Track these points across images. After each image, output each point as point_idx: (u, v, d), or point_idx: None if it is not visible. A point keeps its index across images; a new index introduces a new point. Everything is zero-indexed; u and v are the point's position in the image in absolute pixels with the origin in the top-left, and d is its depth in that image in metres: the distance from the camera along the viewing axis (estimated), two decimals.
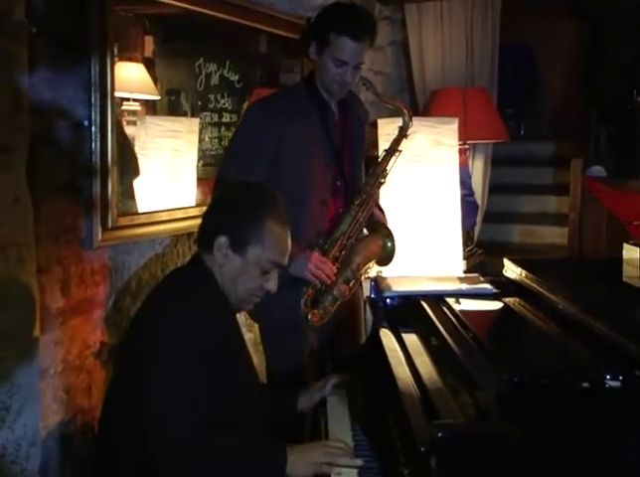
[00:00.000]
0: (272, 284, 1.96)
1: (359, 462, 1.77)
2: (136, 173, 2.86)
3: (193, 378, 1.75)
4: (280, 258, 1.94)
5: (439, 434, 1.35)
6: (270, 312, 2.45)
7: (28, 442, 2.12)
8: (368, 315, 2.72)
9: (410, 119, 2.69)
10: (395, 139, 2.69)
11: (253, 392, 2.02)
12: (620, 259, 2.46)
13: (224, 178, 2.52)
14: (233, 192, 2.01)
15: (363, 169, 2.77)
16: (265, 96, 2.72)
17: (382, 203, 2.81)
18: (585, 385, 1.48)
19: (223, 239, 1.88)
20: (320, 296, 2.56)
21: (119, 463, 1.78)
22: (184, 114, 3.14)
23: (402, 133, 2.69)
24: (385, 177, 2.67)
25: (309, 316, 2.54)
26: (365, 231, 2.73)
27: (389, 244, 2.67)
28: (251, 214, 1.90)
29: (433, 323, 2.09)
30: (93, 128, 2.45)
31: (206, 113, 3.24)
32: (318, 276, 2.50)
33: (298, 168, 2.55)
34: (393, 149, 2.67)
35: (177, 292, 1.89)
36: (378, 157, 2.74)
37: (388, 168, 2.68)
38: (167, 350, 1.76)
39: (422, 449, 1.44)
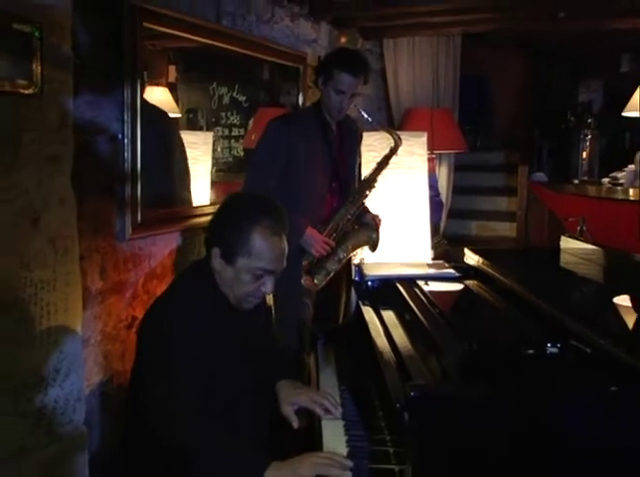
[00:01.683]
0: (268, 288, 1.76)
1: (348, 474, 1.50)
2: (187, 174, 2.91)
3: (184, 367, 1.61)
4: (270, 265, 1.73)
5: (412, 393, 1.34)
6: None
7: (74, 398, 2.11)
8: (353, 295, 2.73)
9: (400, 143, 2.79)
10: (386, 156, 2.83)
11: (244, 393, 1.78)
12: (559, 249, 2.48)
13: (251, 182, 2.61)
14: (228, 205, 1.82)
15: (356, 173, 2.86)
16: (281, 115, 2.91)
17: (368, 202, 2.86)
18: (530, 351, 1.49)
19: (216, 250, 1.74)
20: (315, 268, 2.69)
21: (143, 418, 1.69)
22: (200, 129, 3.15)
23: (393, 152, 2.84)
24: (375, 184, 2.79)
25: (303, 281, 2.64)
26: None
27: (374, 235, 2.76)
28: (238, 226, 1.71)
29: (407, 301, 2.09)
30: (126, 141, 2.44)
31: (218, 128, 3.24)
32: (321, 253, 2.65)
33: (304, 172, 2.68)
34: (383, 163, 2.78)
35: (182, 287, 1.80)
36: (361, 163, 2.88)
37: (377, 178, 2.81)
38: (161, 338, 1.64)
39: (398, 405, 1.43)
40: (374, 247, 2.82)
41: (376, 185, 2.80)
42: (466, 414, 1.35)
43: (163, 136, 2.79)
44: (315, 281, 2.68)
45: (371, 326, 2.10)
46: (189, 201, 2.94)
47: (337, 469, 1.50)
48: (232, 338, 1.77)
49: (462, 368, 1.49)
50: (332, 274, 2.73)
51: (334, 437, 1.68)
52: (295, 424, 1.80)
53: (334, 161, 2.74)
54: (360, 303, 2.36)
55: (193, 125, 3.13)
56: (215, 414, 1.64)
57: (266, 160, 2.65)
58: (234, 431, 1.64)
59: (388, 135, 2.86)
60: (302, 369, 2.41)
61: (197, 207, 2.96)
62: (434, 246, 3.62)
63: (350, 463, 1.52)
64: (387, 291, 2.33)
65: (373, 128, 3.01)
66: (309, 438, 1.80)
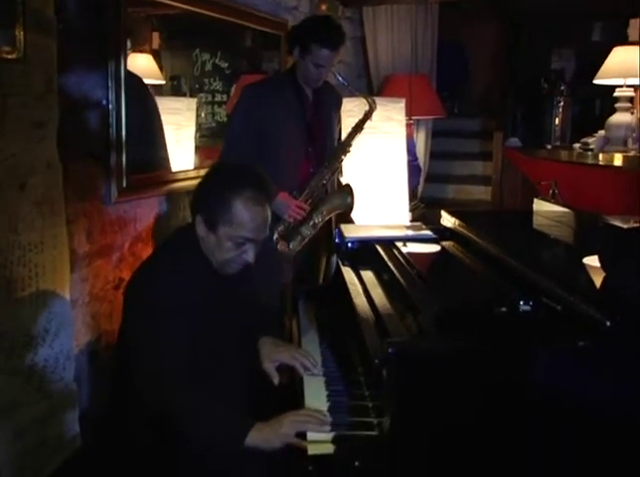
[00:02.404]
0: (250, 256, 1.73)
1: (327, 428, 1.50)
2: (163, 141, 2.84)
3: (169, 331, 1.59)
4: (251, 234, 1.70)
5: (389, 349, 1.34)
6: None
7: (64, 357, 2.10)
8: (334, 257, 2.72)
9: (375, 107, 2.74)
10: (360, 120, 2.78)
11: (229, 354, 1.77)
12: (532, 211, 2.48)
13: (227, 152, 2.56)
14: (213, 173, 1.80)
15: (335, 139, 2.80)
16: (256, 81, 2.79)
17: (345, 167, 2.83)
18: (504, 309, 1.49)
19: (199, 217, 1.71)
20: (290, 233, 2.64)
21: (129, 378, 1.67)
22: (184, 95, 3.09)
23: (367, 116, 2.78)
24: (350, 148, 2.72)
25: (279, 246, 2.61)
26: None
27: (349, 199, 2.72)
28: (221, 195, 1.67)
29: (385, 262, 2.09)
30: (110, 106, 2.38)
31: (202, 94, 3.18)
32: (295, 218, 2.60)
33: (278, 140, 2.62)
34: (358, 127, 2.74)
35: (167, 252, 1.77)
36: (341, 128, 2.80)
37: (352, 142, 2.74)
38: (146, 303, 1.63)
39: (376, 361, 1.43)
40: (349, 211, 2.78)
41: (350, 149, 2.75)
42: (442, 369, 1.35)
43: (142, 101, 2.72)
44: (290, 246, 2.65)
45: (350, 286, 2.09)
46: (168, 166, 2.89)
47: (315, 425, 1.50)
48: (216, 301, 1.75)
49: (439, 325, 1.49)
50: (307, 239, 2.70)
51: (315, 393, 1.68)
52: (276, 381, 1.80)
53: (309, 127, 2.67)
54: (340, 264, 2.35)
55: (176, 92, 3.06)
56: (200, 376, 1.62)
57: (239, 130, 2.61)
58: (219, 392, 1.63)
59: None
60: (283, 329, 2.42)
61: (181, 171, 2.92)
62: (412, 209, 3.61)
63: (328, 419, 1.52)
64: (366, 252, 2.32)
65: (350, 93, 2.97)
66: (291, 395, 1.82)
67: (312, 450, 1.43)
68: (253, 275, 1.87)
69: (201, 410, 1.56)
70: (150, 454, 1.68)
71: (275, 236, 2.61)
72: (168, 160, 2.87)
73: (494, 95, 6.00)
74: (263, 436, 1.51)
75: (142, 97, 2.73)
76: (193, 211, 1.76)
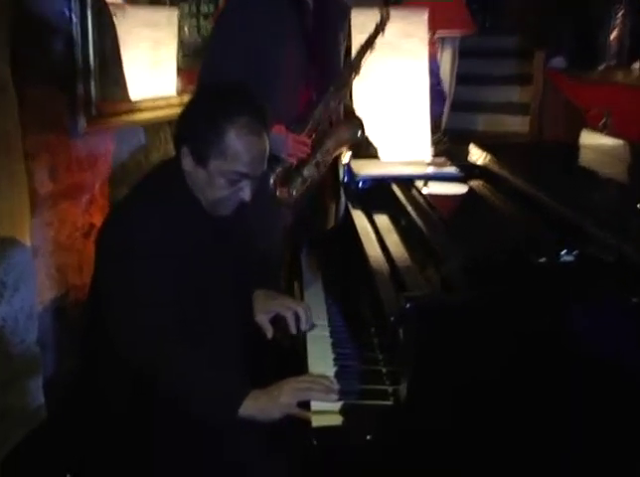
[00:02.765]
0: (246, 194, 1.73)
1: (334, 397, 1.52)
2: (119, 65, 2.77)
3: (151, 280, 1.60)
4: (247, 169, 1.69)
5: (407, 305, 1.35)
6: None
7: (25, 315, 2.11)
8: (342, 198, 2.71)
9: (388, 17, 2.65)
10: (371, 35, 2.66)
11: (221, 308, 1.79)
12: (578, 145, 2.46)
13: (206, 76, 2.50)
14: (199, 97, 1.79)
15: (342, 60, 2.73)
16: None
17: (355, 92, 2.78)
18: (542, 259, 1.49)
19: (186, 150, 1.69)
20: (290, 176, 2.57)
21: (106, 341, 1.68)
22: (163, 4, 3.01)
23: (378, 30, 2.65)
24: (359, 70, 2.65)
25: (278, 192, 2.55)
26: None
27: (359, 132, 2.67)
28: (211, 123, 1.66)
29: (403, 205, 2.09)
30: (74, 18, 2.33)
31: (184, 4, 3.11)
32: (294, 155, 2.51)
33: (272, 57, 2.49)
34: (368, 44, 2.65)
35: (147, 189, 1.75)
36: (350, 47, 2.71)
37: (362, 62, 2.65)
38: (122, 246, 1.62)
39: (392, 319, 1.45)
40: (358, 147, 2.75)
41: (360, 72, 2.71)
42: (468, 328, 1.36)
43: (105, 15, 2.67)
44: (292, 192, 2.62)
45: (361, 232, 2.10)
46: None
47: (320, 393, 1.51)
48: (206, 246, 1.76)
49: (464, 277, 1.49)
50: (309, 181, 2.67)
51: (320, 356, 1.70)
52: (269, 334, 1.84)
53: (310, 45, 2.55)
54: (349, 207, 2.35)
55: (155, 1, 2.99)
56: (187, 333, 1.63)
57: (222, 48, 2.50)
58: (209, 353, 1.64)
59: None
60: (284, 282, 2.43)
61: (161, 98, 2.89)
62: (435, 143, 3.57)
63: (335, 386, 1.54)
64: (380, 193, 2.32)
65: (360, 3, 2.90)
66: (293, 358, 1.84)
67: (317, 422, 1.45)
68: (249, 216, 1.87)
69: (189, 372, 1.58)
70: (128, 424, 1.70)
71: (272, 179, 2.57)
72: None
73: (534, 6, 5.88)
74: (260, 406, 1.52)
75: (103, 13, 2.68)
76: (177, 143, 1.75)
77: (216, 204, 1.74)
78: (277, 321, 1.87)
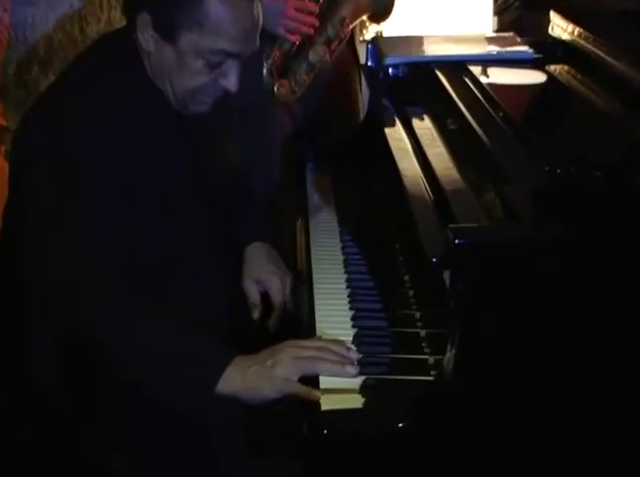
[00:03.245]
0: (231, 81, 1.75)
1: (352, 370, 1.55)
2: None
3: (94, 207, 1.64)
4: (233, 46, 1.70)
5: (456, 240, 1.38)
6: None
7: None
8: (364, 90, 2.74)
9: None
10: None
11: (194, 249, 1.87)
12: None
13: None
14: None
15: None
16: None
17: None
18: None
19: (145, 18, 1.70)
20: (291, 61, 2.57)
21: (30, 293, 1.73)
22: None
23: None
24: None
25: (276, 88, 2.55)
26: None
27: None
28: None
29: (452, 100, 2.10)
30: None
31: None
32: (297, 30, 2.53)
33: None
34: None
35: (83, 78, 1.77)
36: None
37: None
38: (56, 162, 1.65)
39: (434, 261, 1.50)
40: (385, 14, 2.73)
41: None
42: (537, 274, 1.40)
43: None
44: (294, 85, 2.60)
45: (392, 141, 2.13)
46: None
47: (333, 365, 1.55)
48: (173, 159, 1.80)
49: (535, 204, 1.52)
50: (317, 69, 2.64)
51: (332, 312, 1.78)
52: (255, 314, 1.90)
53: None
54: (374, 104, 2.38)
55: None
56: (147, 281, 1.69)
57: None
58: (174, 310, 1.69)
59: None
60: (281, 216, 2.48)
61: None
62: (499, 12, 3.58)
63: (354, 354, 1.59)
64: (419, 84, 2.34)
65: None
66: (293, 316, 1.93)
67: (327, 404, 1.50)
68: (234, 118, 1.91)
69: (145, 333, 1.62)
70: (61, 407, 1.77)
71: (266, 69, 2.56)
72: None
73: None
74: (247, 381, 1.55)
75: None
76: (131, 8, 1.75)
77: (188, 96, 1.76)
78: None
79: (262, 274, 1.97)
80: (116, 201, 1.66)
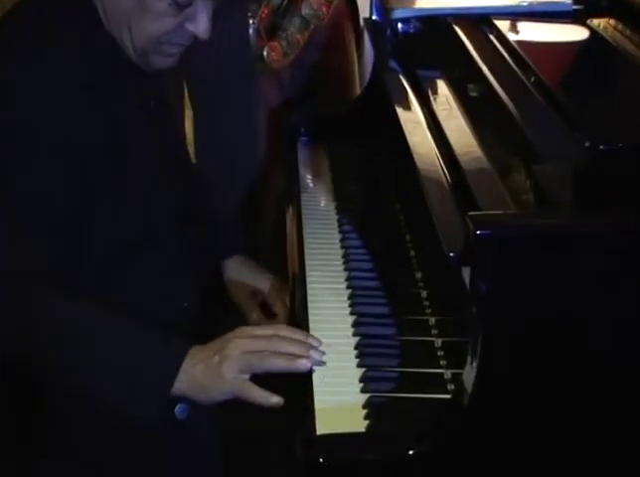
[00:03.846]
0: (201, 25, 1.74)
1: (306, 365, 1.59)
2: None
3: (29, 176, 1.65)
4: None
5: (478, 231, 1.37)
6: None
7: None
8: (367, 50, 2.74)
9: None
10: None
11: (164, 220, 1.90)
12: None
13: None
14: None
15: None
16: None
17: None
18: None
19: None
20: (280, 19, 2.58)
21: None
22: None
23: None
24: None
25: (265, 52, 2.55)
26: None
27: None
28: None
29: (473, 62, 2.10)
30: None
31: None
32: None
33: None
34: None
35: (21, 26, 1.78)
36: None
37: None
38: None
39: (451, 255, 1.50)
40: None
41: None
42: (575, 271, 1.40)
43: None
44: (286, 49, 2.58)
45: (401, 112, 2.13)
46: None
47: (286, 360, 1.58)
48: (132, 127, 1.82)
49: (574, 187, 1.54)
50: (313, 26, 2.63)
51: (329, 318, 1.80)
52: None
53: None
54: (378, 64, 2.40)
55: None
56: (102, 270, 1.73)
57: None
58: (136, 296, 1.76)
59: None
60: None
61: None
62: None
63: (316, 341, 1.64)
64: (433, 41, 2.35)
65: None
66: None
67: (324, 427, 1.51)
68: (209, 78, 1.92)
69: (86, 327, 1.65)
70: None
71: (252, 28, 2.55)
72: None
73: None
74: (195, 380, 1.59)
75: None
76: None
77: (150, 46, 1.76)
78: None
79: (259, 283, 2.02)
80: (59, 174, 1.67)
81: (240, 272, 2.10)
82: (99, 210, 1.72)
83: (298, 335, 1.63)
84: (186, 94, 3.00)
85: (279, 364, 1.57)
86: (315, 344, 1.61)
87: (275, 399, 1.54)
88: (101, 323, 1.66)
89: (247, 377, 1.56)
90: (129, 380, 1.61)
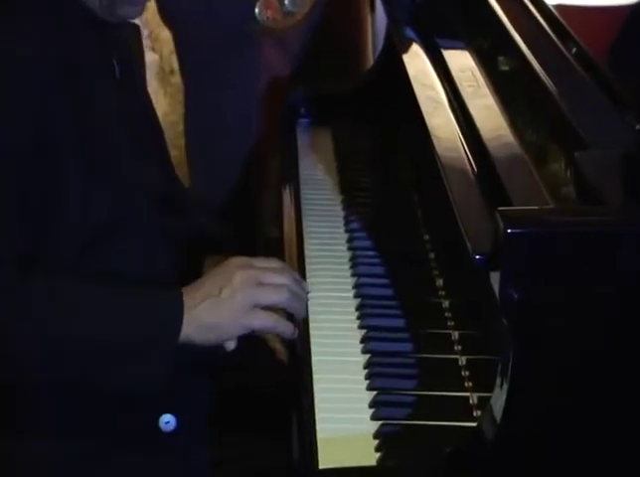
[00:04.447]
0: None
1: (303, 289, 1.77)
2: None
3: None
4: None
5: (509, 230, 1.38)
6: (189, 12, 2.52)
7: None
8: (378, 16, 2.75)
9: None
10: None
11: (137, 201, 1.92)
12: None
13: None
14: None
15: None
16: None
17: None
18: None
19: None
20: None
21: None
22: None
23: None
24: None
25: (258, 8, 2.56)
26: None
27: None
28: None
29: (504, 29, 2.11)
30: None
31: None
32: None
33: None
34: None
35: None
36: None
37: None
38: None
39: (478, 258, 1.50)
40: None
41: None
42: (624, 277, 1.41)
43: None
44: (286, 6, 2.57)
45: (418, 87, 2.15)
46: None
47: (300, 302, 1.74)
48: (98, 94, 1.85)
49: (623, 178, 1.56)
50: None
51: (334, 332, 1.83)
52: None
53: None
54: (392, 32, 2.42)
55: None
56: (70, 256, 1.76)
57: None
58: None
59: None
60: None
61: None
62: None
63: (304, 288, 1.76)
64: (456, 5, 2.37)
65: None
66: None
67: (329, 460, 1.53)
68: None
69: (69, 304, 1.71)
70: None
71: None
72: None
73: None
74: (201, 319, 1.69)
75: None
76: None
77: None
78: None
79: None
80: (17, 150, 1.70)
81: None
82: (70, 187, 1.75)
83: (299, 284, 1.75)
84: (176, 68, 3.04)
85: (295, 305, 1.74)
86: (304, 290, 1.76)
87: (290, 330, 1.68)
88: (85, 295, 1.73)
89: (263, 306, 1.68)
90: (129, 342, 1.70)
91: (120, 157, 1.87)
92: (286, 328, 1.68)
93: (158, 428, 1.72)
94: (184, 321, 1.65)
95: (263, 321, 1.68)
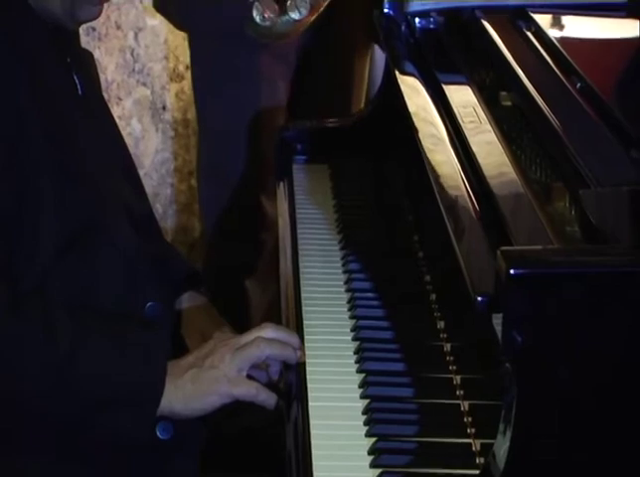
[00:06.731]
0: None
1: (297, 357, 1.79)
2: None
3: None
4: None
5: (511, 271, 1.37)
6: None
7: None
8: (377, 51, 2.75)
9: None
10: None
11: (112, 209, 1.93)
12: None
13: None
14: None
15: None
16: None
17: None
18: None
19: None
20: None
21: None
22: None
23: None
24: None
25: (255, 9, 2.54)
26: None
27: None
28: None
29: (506, 64, 2.11)
30: None
31: None
32: None
33: None
34: None
35: None
36: None
37: None
38: None
39: (479, 300, 1.50)
40: None
41: None
42: (635, 319, 1.40)
43: None
44: (288, 6, 2.56)
45: (419, 123, 2.14)
46: None
47: (282, 347, 1.76)
48: (63, 100, 1.87)
49: (631, 217, 1.54)
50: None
51: (328, 365, 1.83)
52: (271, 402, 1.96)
53: None
54: (392, 67, 2.40)
55: None
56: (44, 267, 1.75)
57: None
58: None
59: None
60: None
61: None
62: None
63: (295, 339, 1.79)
64: (458, 39, 2.37)
65: None
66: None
67: None
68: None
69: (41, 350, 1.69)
70: None
71: None
72: None
73: None
74: (185, 390, 1.71)
75: None
76: None
77: None
78: None
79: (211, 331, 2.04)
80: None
81: (192, 312, 2.13)
82: (44, 194, 1.75)
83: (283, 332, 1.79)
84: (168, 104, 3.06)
85: (276, 350, 1.75)
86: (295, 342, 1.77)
87: (272, 398, 1.70)
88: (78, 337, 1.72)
89: (245, 373, 1.72)
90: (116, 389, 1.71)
91: (92, 169, 1.89)
92: (268, 398, 1.71)
93: (156, 435, 1.73)
94: (167, 390, 1.67)
95: (244, 390, 1.71)
